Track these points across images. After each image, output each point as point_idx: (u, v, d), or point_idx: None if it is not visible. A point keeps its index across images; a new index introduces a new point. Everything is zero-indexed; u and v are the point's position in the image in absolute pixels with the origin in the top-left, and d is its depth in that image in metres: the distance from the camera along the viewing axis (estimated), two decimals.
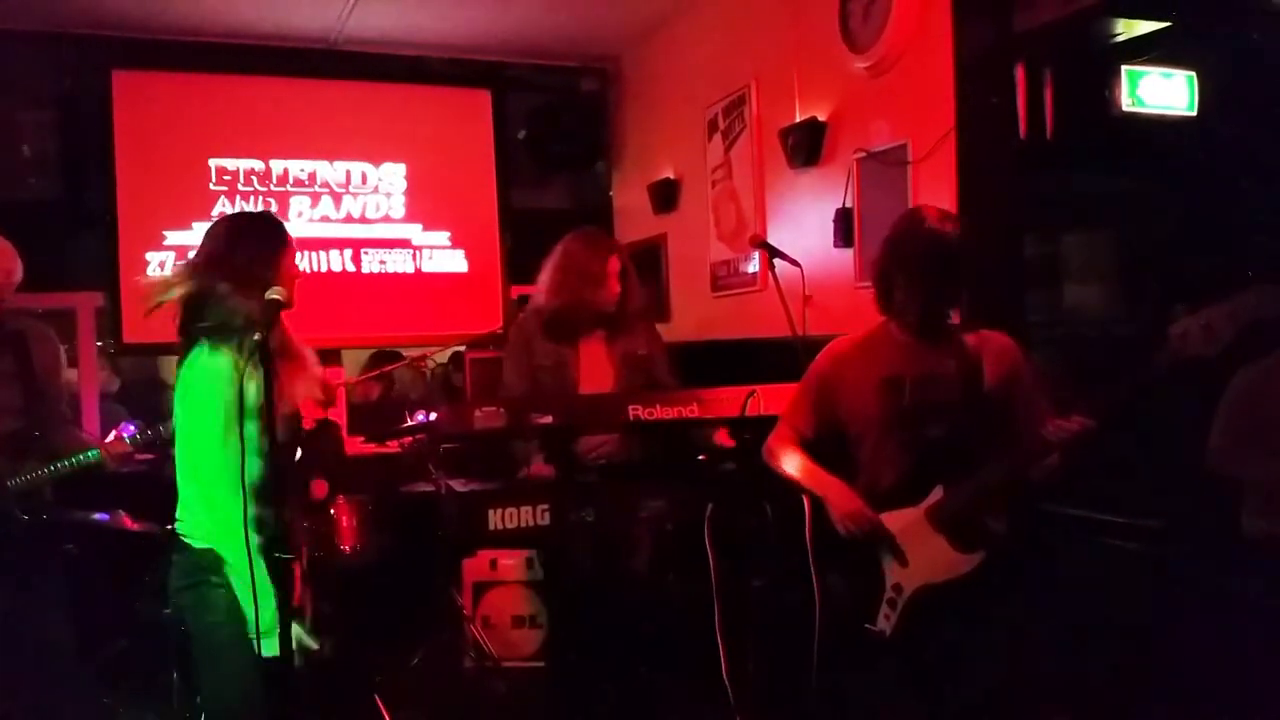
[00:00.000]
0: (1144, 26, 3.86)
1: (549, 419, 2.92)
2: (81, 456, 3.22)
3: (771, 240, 3.89)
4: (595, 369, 3.81)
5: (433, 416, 3.98)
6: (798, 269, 3.62)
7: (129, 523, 4.01)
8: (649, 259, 5.63)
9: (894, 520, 2.58)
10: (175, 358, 2.54)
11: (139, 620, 3.99)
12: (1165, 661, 3.10)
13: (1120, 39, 3.91)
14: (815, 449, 2.75)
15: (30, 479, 3.17)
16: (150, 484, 3.61)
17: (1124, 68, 3.91)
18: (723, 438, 3.39)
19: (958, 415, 2.56)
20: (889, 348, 2.68)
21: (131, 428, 3.57)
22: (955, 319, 2.70)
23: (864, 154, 3.84)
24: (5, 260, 3.21)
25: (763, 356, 3.93)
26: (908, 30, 3.60)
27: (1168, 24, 3.83)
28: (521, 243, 5.81)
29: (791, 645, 2.77)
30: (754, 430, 3.02)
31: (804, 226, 4.23)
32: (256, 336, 2.21)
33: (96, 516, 4.06)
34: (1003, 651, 2.59)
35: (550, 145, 6.13)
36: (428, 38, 5.68)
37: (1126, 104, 3.94)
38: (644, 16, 5.45)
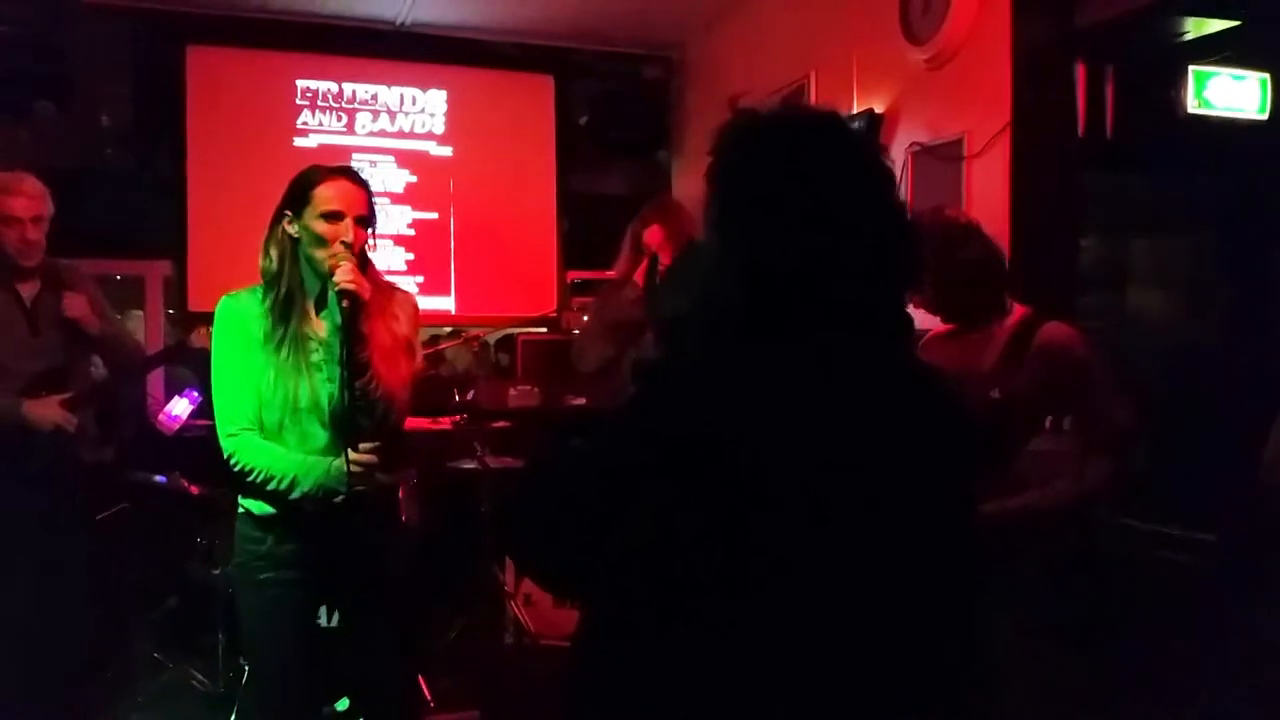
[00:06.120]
0: (1214, 25, 3.75)
1: (583, 400, 2.94)
2: None
3: None
4: None
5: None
6: None
7: (188, 486, 4.14)
8: None
9: None
10: None
11: (190, 581, 4.12)
12: (1210, 675, 3.04)
13: (1188, 38, 3.81)
14: None
15: None
16: (208, 449, 3.75)
17: (1191, 68, 3.80)
18: None
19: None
20: (938, 340, 2.64)
21: (196, 393, 3.66)
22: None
23: (919, 147, 3.81)
24: (40, 187, 3.32)
25: None
26: (968, 22, 3.56)
27: (1239, 23, 3.72)
28: (579, 228, 5.86)
29: None
30: None
31: None
32: None
33: (156, 478, 4.19)
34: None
35: (612, 131, 6.18)
36: (494, 22, 5.73)
37: (1193, 105, 3.82)
38: (708, 5, 5.44)
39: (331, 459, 2.36)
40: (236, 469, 2.37)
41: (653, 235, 3.61)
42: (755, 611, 1.16)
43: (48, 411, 3.20)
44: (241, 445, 2.35)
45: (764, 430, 1.16)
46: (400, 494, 3.96)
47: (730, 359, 1.22)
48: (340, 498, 2.37)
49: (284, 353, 2.35)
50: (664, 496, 1.16)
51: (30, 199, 3.25)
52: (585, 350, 3.56)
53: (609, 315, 3.71)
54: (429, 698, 3.90)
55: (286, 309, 2.37)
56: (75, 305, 3.32)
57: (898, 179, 3.88)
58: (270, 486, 2.35)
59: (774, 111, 1.33)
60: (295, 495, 2.35)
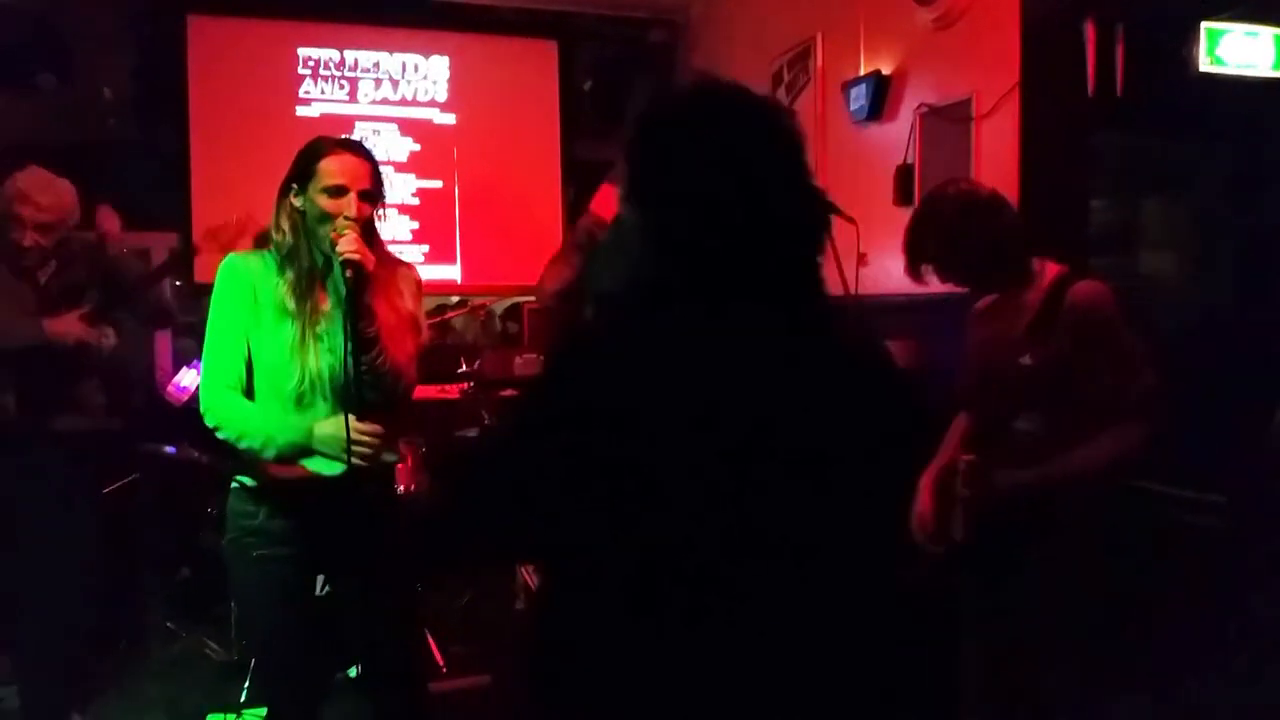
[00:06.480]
0: None
1: None
2: None
3: (831, 197, 3.83)
4: None
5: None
6: (853, 226, 3.56)
7: (197, 456, 4.15)
8: None
9: None
10: None
11: (202, 550, 4.15)
12: (1222, 637, 3.03)
13: None
14: None
15: None
16: None
17: (1204, 25, 3.74)
18: None
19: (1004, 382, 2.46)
20: (980, 313, 2.67)
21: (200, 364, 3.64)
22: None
23: (927, 109, 3.77)
24: (67, 197, 3.32)
25: None
26: None
27: None
28: (585, 195, 5.81)
29: None
30: None
31: (863, 183, 4.17)
32: None
33: (166, 449, 4.21)
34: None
35: (617, 97, 6.12)
36: None
37: (1205, 64, 3.76)
38: None
39: (311, 422, 2.33)
40: (211, 424, 2.33)
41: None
42: (670, 577, 1.19)
43: (69, 327, 3.21)
44: (218, 401, 2.32)
45: (675, 399, 1.19)
46: (399, 468, 3.98)
47: (641, 329, 1.26)
48: (333, 470, 2.35)
49: (302, 325, 2.32)
50: (581, 464, 1.19)
51: (40, 209, 3.22)
52: (544, 276, 3.57)
53: (570, 239, 3.71)
54: (441, 663, 3.93)
55: (311, 283, 2.35)
56: (108, 219, 3.36)
57: (906, 141, 3.85)
58: (243, 444, 2.31)
59: (683, 86, 1.35)
60: (269, 455, 2.31)
